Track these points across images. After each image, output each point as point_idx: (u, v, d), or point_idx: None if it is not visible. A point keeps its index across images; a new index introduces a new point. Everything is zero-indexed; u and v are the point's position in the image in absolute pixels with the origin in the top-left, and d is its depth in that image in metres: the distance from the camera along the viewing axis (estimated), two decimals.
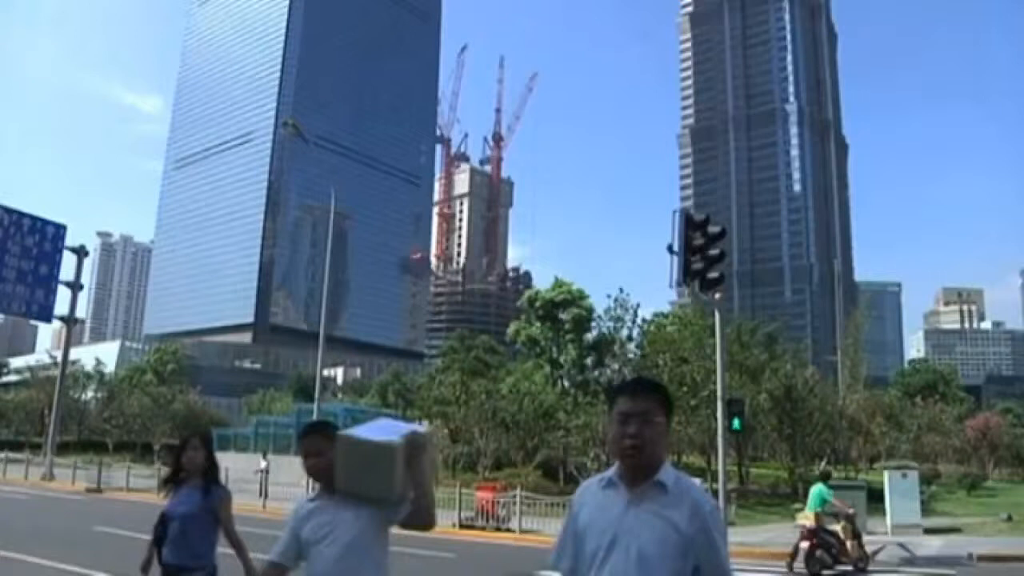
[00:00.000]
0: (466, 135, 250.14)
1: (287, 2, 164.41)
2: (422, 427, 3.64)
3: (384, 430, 3.59)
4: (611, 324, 49.02)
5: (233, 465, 21.72)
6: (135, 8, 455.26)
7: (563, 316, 53.45)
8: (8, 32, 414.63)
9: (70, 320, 41.03)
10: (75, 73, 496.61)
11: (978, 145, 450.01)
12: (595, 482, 2.94)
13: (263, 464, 32.00)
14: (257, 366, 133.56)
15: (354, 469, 3.51)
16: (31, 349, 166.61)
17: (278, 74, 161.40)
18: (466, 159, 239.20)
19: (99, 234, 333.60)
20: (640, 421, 2.78)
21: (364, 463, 3.50)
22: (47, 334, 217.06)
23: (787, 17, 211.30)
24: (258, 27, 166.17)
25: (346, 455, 3.53)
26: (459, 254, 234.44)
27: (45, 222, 39.37)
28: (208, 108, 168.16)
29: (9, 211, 37.79)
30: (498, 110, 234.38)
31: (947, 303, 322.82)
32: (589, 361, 52.60)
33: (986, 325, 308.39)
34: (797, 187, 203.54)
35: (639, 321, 48.94)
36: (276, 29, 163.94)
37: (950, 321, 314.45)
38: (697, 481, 2.91)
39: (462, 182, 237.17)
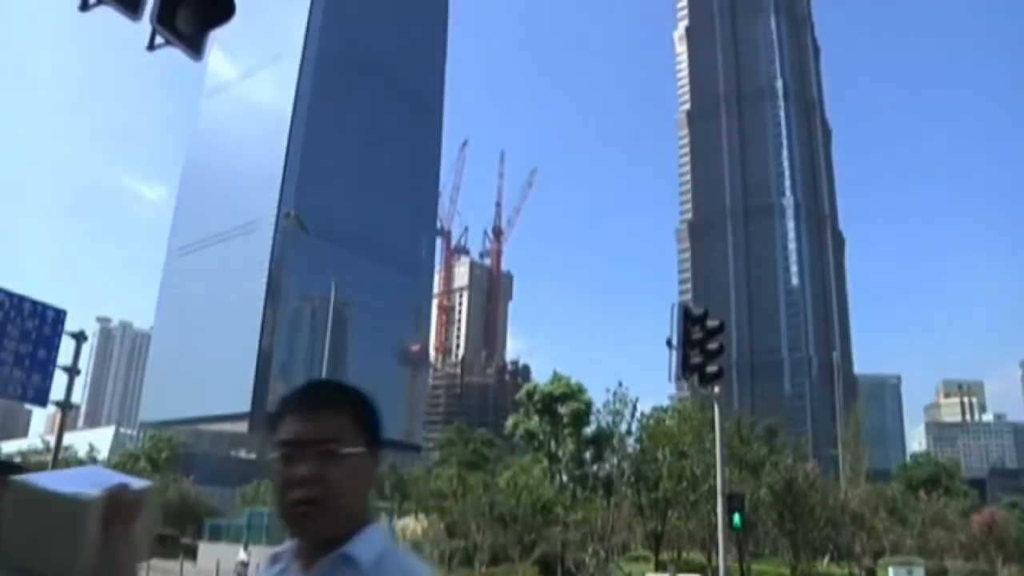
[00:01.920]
0: (466, 228, 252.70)
1: (292, 95, 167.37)
2: (139, 482, 2.41)
3: (82, 479, 2.37)
4: (610, 418, 48.69)
5: (223, 555, 21.32)
6: (144, 98, 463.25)
7: (562, 410, 53.12)
8: (16, 115, 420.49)
9: (66, 405, 40.56)
10: (82, 159, 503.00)
11: (975, 236, 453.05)
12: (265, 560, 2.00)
13: (243, 556, 31.22)
14: (252, 456, 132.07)
15: (26, 530, 2.27)
16: (24, 433, 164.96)
17: (281, 165, 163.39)
18: (466, 252, 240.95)
19: (98, 319, 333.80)
20: (316, 455, 1.81)
21: (41, 523, 2.26)
22: (41, 418, 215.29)
23: (782, 114, 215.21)
24: (264, 118, 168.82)
25: (17, 509, 2.30)
26: (458, 346, 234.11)
27: (46, 307, 39.42)
28: (211, 197, 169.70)
29: (10, 295, 37.90)
30: (498, 204, 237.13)
31: (947, 395, 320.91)
32: (588, 455, 52.11)
33: (988, 417, 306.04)
34: (795, 280, 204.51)
35: (638, 415, 48.66)
36: (281, 120, 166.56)
37: (951, 414, 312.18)
38: (421, 568, 1.81)
39: (462, 275, 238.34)
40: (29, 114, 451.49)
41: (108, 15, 7.40)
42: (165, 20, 7.63)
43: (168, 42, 7.70)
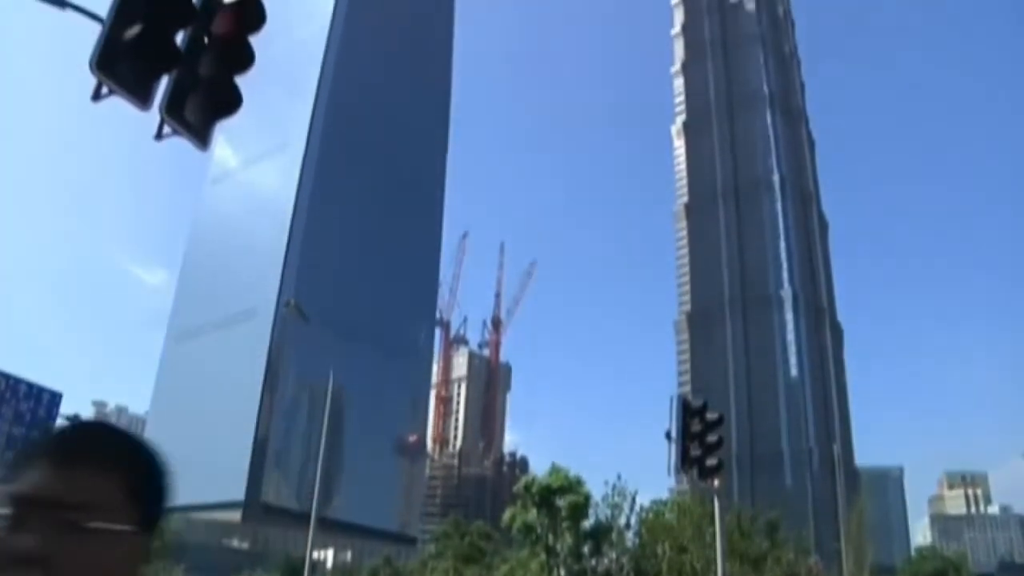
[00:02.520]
0: (465, 319, 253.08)
1: (295, 183, 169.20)
2: None
3: None
4: (609, 511, 48.12)
5: None
6: (147, 182, 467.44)
7: (560, 503, 52.38)
8: (16, 194, 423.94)
9: None
10: (83, 241, 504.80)
11: (975, 327, 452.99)
12: None
13: None
14: (245, 546, 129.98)
15: None
16: None
17: (283, 252, 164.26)
18: (465, 342, 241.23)
19: (94, 403, 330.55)
20: (53, 525, 1.26)
21: None
22: None
23: (779, 207, 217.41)
24: (266, 206, 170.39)
25: None
26: (455, 437, 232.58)
27: (42, 389, 39.29)
28: (212, 283, 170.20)
29: (6, 376, 37.77)
30: (498, 295, 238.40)
31: (951, 487, 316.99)
32: (586, 549, 51.21)
33: (993, 509, 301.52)
34: (794, 372, 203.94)
35: (637, 508, 48.10)
36: (283, 209, 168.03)
37: (956, 506, 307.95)
38: None
39: (460, 365, 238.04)
40: (29, 194, 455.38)
41: (116, 104, 7.56)
42: (173, 111, 7.79)
43: (176, 132, 7.85)
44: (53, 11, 7.69)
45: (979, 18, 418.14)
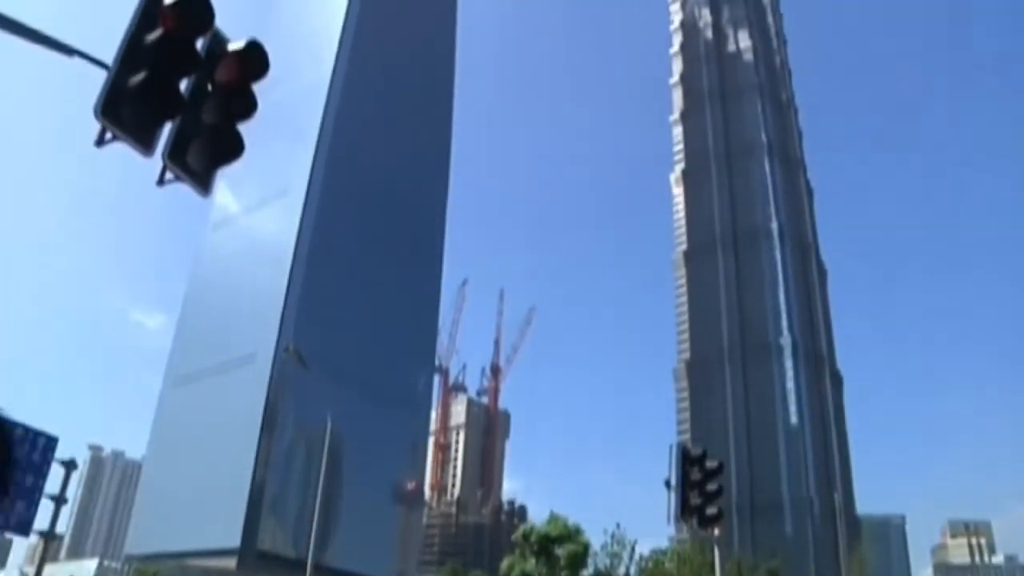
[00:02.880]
0: (464, 366, 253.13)
1: (296, 229, 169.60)
2: None
3: None
4: (608, 560, 47.73)
5: None
6: (150, 228, 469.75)
7: (559, 552, 51.98)
8: (15, 239, 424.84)
9: (50, 536, 39.64)
10: (82, 284, 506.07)
11: (976, 373, 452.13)
12: None
13: None
14: None
15: None
16: (2, 564, 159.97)
17: (282, 298, 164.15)
18: (464, 390, 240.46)
19: (91, 447, 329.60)
20: None
21: None
22: (22, 548, 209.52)
23: (778, 255, 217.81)
24: (267, 252, 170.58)
25: None
26: (454, 485, 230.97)
27: (38, 433, 38.80)
28: (211, 328, 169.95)
29: (2, 420, 37.35)
30: (496, 342, 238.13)
31: (954, 536, 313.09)
32: None
33: (998, 559, 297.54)
34: (794, 420, 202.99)
35: (637, 557, 47.73)
36: (284, 254, 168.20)
37: (959, 555, 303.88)
38: None
39: (459, 412, 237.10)
40: (31, 237, 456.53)
41: (119, 149, 7.63)
42: (176, 157, 7.86)
43: (178, 178, 7.91)
44: (60, 59, 7.78)
45: (981, 60, 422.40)
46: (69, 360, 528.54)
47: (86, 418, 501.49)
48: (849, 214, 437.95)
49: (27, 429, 38.22)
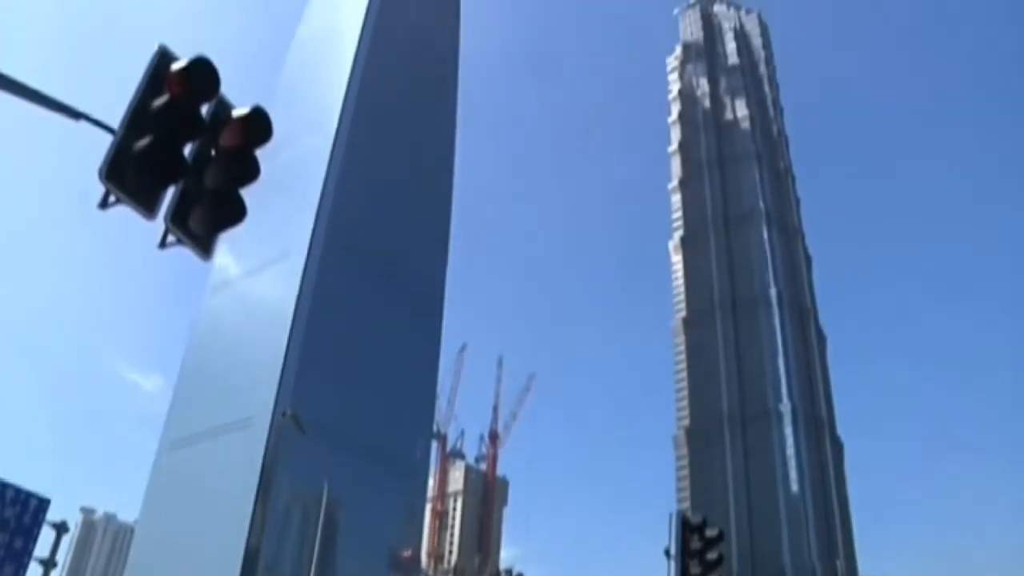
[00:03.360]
0: (463, 432, 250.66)
1: (296, 292, 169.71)
2: None
3: None
4: None
5: None
6: (149, 289, 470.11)
7: None
8: (11, 295, 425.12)
9: None
10: (80, 346, 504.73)
11: (978, 436, 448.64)
12: None
13: None
14: None
15: None
16: None
17: (281, 361, 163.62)
18: (462, 456, 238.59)
19: (83, 510, 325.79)
20: None
21: None
22: None
23: (777, 322, 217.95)
24: (266, 315, 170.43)
25: None
26: (451, 552, 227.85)
27: (29, 495, 38.20)
28: (208, 391, 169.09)
29: None
30: (495, 408, 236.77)
31: None
32: None
33: None
34: (795, 486, 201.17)
35: None
36: (283, 317, 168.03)
37: None
38: None
39: (457, 479, 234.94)
40: (24, 295, 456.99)
41: (120, 212, 7.69)
42: (178, 221, 7.92)
43: (180, 241, 7.96)
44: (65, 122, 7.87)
45: (981, 121, 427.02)
46: (63, 420, 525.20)
47: (79, 479, 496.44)
48: (847, 280, 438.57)
49: (18, 490, 37.72)
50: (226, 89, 8.39)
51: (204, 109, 8.24)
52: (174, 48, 8.28)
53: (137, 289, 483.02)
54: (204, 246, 8.33)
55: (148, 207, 7.53)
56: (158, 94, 7.82)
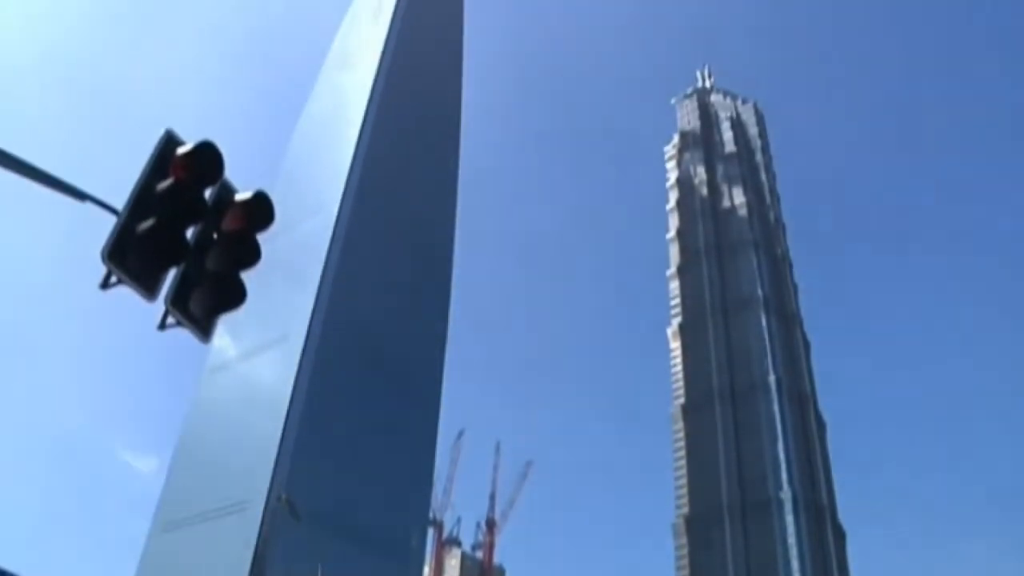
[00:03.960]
0: (459, 519, 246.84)
1: (293, 377, 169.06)
2: None
3: None
4: None
5: None
6: (145, 369, 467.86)
7: None
8: (7, 372, 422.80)
9: None
10: (73, 425, 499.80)
11: (981, 525, 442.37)
12: None
13: None
14: None
15: None
16: None
17: (276, 446, 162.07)
18: (458, 543, 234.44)
19: None
20: None
21: None
22: None
23: (776, 408, 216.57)
24: (263, 398, 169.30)
25: None
26: None
27: None
28: (203, 474, 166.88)
29: None
30: (492, 496, 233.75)
31: None
32: None
33: None
34: (797, 575, 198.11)
35: None
36: (280, 402, 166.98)
37: None
38: None
39: (453, 567, 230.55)
40: (16, 372, 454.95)
41: (119, 292, 7.72)
42: (178, 303, 7.95)
43: (179, 323, 7.98)
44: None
45: (981, 202, 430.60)
46: (53, 500, 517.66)
47: (67, 561, 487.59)
48: (845, 368, 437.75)
49: (4, 573, 37.10)
50: (229, 170, 8.51)
51: (207, 192, 8.33)
52: (179, 128, 8.41)
53: (134, 368, 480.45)
54: (203, 328, 8.35)
55: (149, 289, 7.56)
56: (163, 177, 7.93)
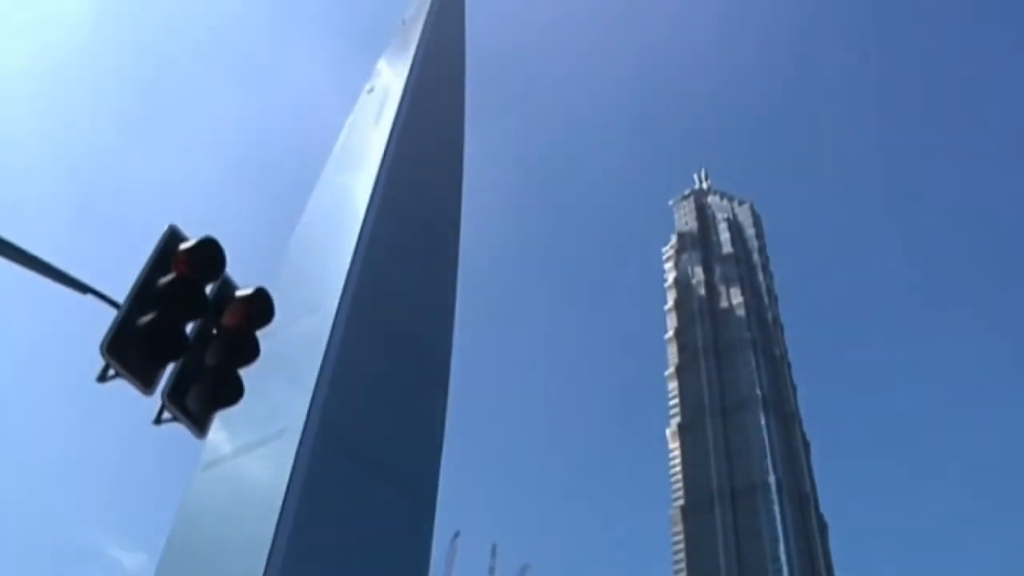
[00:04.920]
0: None
1: (287, 475, 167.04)
2: None
3: None
4: None
5: None
6: (137, 464, 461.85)
7: None
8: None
9: None
10: (60, 517, 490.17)
11: None
12: None
13: None
14: None
15: None
16: None
17: (269, 543, 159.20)
18: None
19: None
20: None
21: None
22: None
23: (776, 509, 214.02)
24: (257, 495, 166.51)
25: None
26: None
27: None
28: (194, 571, 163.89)
29: None
30: None
31: None
32: None
33: None
34: None
35: None
36: (274, 499, 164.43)
37: None
38: None
39: None
40: (4, 460, 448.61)
41: (116, 384, 7.69)
42: (175, 398, 7.93)
43: (175, 418, 7.94)
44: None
45: (980, 294, 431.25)
46: None
47: None
48: (847, 466, 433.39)
49: None
50: (231, 266, 8.57)
51: (209, 288, 8.38)
52: (182, 224, 8.51)
53: (126, 460, 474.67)
54: (199, 424, 8.32)
55: (147, 383, 7.55)
56: (165, 272, 7.99)
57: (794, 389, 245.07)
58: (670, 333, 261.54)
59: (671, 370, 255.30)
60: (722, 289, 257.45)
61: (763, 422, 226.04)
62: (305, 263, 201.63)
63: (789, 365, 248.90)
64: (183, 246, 8.15)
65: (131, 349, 7.41)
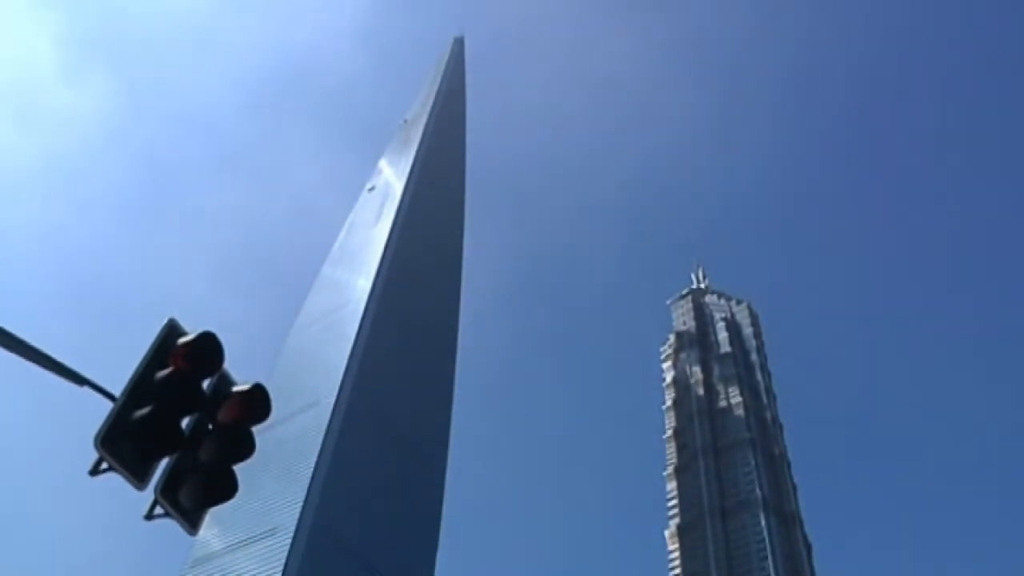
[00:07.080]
0: None
1: (280, 573, 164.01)
2: None
3: None
4: None
5: None
6: (123, 559, 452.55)
7: None
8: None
9: None
10: None
11: None
12: None
13: None
14: None
15: None
16: None
17: None
18: None
19: None
20: None
21: None
22: None
23: (763, 524, 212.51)
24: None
25: None
26: None
27: None
28: None
29: None
30: None
31: None
32: None
33: None
34: None
35: None
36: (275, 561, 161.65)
37: None
38: None
39: None
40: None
41: (109, 477, 7.59)
42: (168, 493, 7.83)
43: (167, 514, 7.83)
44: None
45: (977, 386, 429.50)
46: None
47: None
48: (852, 569, 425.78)
49: None
50: (229, 360, 8.57)
51: (205, 383, 8.37)
52: (182, 317, 8.55)
53: (115, 553, 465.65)
54: (192, 520, 8.21)
55: (140, 477, 7.48)
56: (163, 365, 7.98)
57: (794, 488, 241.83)
58: (669, 432, 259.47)
59: (670, 470, 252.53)
60: (720, 388, 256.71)
61: (763, 523, 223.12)
62: (302, 359, 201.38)
63: (789, 464, 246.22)
64: (182, 340, 8.16)
65: (125, 443, 7.36)
